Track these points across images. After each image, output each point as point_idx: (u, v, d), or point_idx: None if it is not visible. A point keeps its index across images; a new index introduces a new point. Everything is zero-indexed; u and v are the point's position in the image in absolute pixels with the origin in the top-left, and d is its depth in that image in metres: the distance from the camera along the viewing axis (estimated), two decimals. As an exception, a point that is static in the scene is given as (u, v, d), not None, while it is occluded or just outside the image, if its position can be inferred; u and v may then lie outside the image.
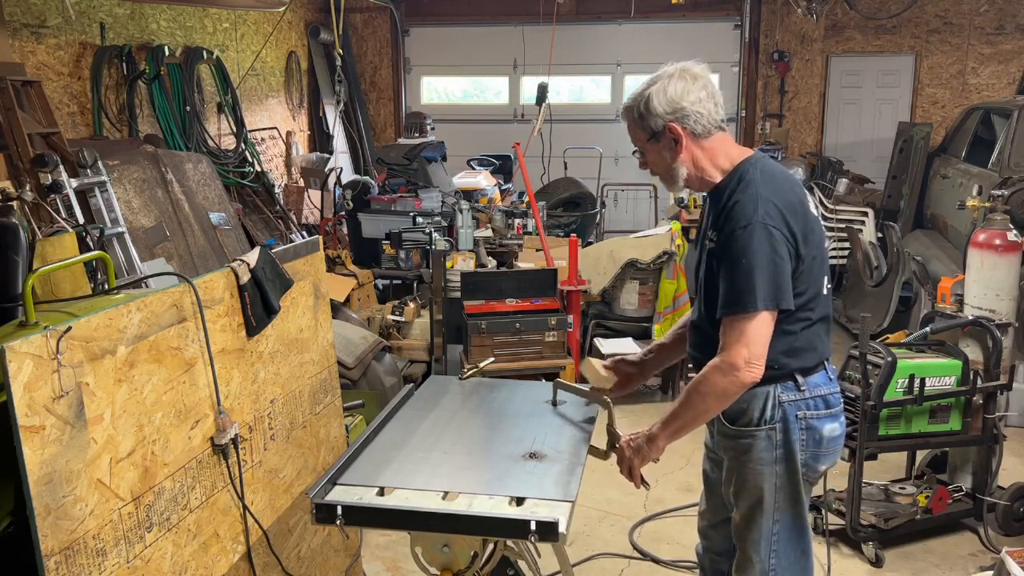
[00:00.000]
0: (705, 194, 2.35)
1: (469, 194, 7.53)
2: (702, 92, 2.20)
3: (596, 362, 2.62)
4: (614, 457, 2.43)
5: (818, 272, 2.24)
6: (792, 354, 2.24)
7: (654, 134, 2.23)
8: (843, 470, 3.74)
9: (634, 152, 2.35)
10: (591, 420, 2.58)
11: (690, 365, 2.47)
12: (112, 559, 1.92)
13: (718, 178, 2.25)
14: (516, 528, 1.96)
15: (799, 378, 2.25)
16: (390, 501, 2.08)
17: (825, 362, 2.33)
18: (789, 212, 2.15)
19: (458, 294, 5.19)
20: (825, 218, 7.64)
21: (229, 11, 8.05)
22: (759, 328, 2.11)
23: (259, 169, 7.99)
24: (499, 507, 2.04)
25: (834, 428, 2.33)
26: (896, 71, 9.71)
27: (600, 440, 2.45)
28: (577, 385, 2.63)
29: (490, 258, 6.03)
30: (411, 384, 2.87)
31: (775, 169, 2.26)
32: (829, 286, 2.31)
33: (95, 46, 6.33)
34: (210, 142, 7.42)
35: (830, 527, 3.78)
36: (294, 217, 8.31)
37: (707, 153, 2.24)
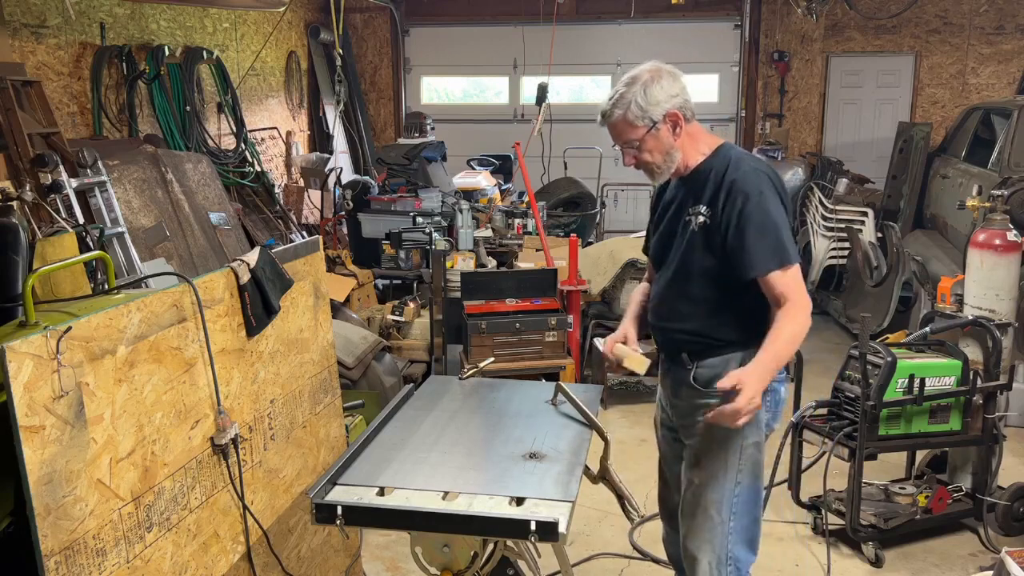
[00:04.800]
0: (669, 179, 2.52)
1: (469, 194, 7.53)
2: (683, 82, 2.41)
3: (630, 353, 2.64)
4: (614, 458, 2.44)
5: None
6: (760, 322, 2.40)
7: (654, 124, 2.36)
8: (843, 470, 3.74)
9: (620, 146, 2.43)
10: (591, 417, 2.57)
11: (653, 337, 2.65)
12: (112, 559, 1.92)
13: (699, 159, 2.44)
14: (516, 528, 1.96)
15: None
16: (390, 501, 2.08)
17: None
18: (778, 184, 2.40)
19: (458, 294, 5.19)
20: (825, 218, 7.64)
21: (229, 11, 8.05)
22: (801, 278, 2.38)
23: (259, 169, 7.99)
24: (499, 507, 2.04)
25: (785, 389, 2.56)
26: (896, 71, 9.70)
27: (596, 445, 2.45)
28: (583, 406, 2.58)
29: (490, 258, 6.03)
30: (411, 384, 2.87)
31: (747, 152, 2.52)
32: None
33: (95, 46, 6.33)
34: (210, 142, 7.42)
35: (830, 527, 3.78)
36: (294, 217, 8.31)
37: (691, 138, 2.44)
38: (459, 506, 2.04)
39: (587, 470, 2.42)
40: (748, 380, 2.25)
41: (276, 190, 8.25)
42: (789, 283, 2.33)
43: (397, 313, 5.68)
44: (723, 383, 2.27)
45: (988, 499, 3.82)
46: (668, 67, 2.40)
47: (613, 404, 5.52)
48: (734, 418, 2.26)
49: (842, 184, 7.87)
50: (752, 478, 2.47)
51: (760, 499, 2.52)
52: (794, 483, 3.93)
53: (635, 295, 2.80)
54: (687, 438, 2.55)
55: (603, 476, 2.44)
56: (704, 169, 2.43)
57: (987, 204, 4.35)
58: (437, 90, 11.21)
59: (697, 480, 2.47)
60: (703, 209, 2.39)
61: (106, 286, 2.41)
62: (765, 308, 2.39)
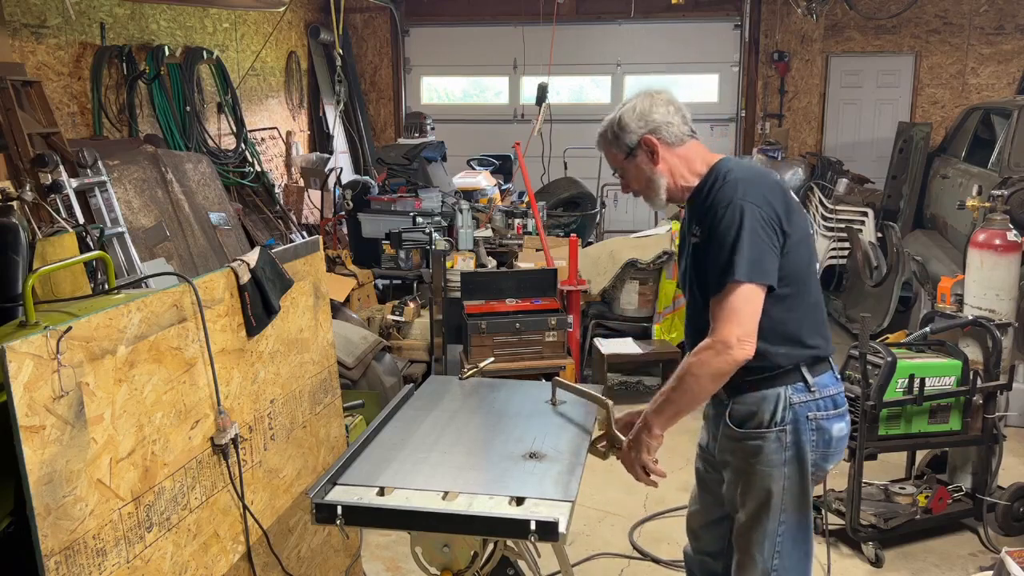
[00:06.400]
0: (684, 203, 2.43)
1: (469, 194, 7.53)
2: (669, 107, 2.32)
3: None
4: (613, 458, 2.44)
5: (806, 253, 2.29)
6: (795, 342, 2.26)
7: (630, 150, 2.33)
8: (843, 470, 3.74)
9: (614, 173, 2.42)
10: (591, 420, 2.58)
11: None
12: (112, 559, 1.92)
13: (695, 182, 2.33)
14: (516, 528, 1.96)
15: (809, 379, 2.28)
16: (390, 501, 2.08)
17: (830, 360, 2.36)
18: (769, 192, 2.21)
19: (458, 294, 5.19)
20: (825, 218, 7.65)
21: (229, 11, 8.05)
22: (746, 305, 2.13)
23: (259, 169, 7.99)
24: (499, 507, 2.04)
25: (842, 428, 2.37)
26: (896, 71, 9.71)
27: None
28: (577, 385, 2.64)
29: (490, 258, 6.03)
30: (411, 384, 2.86)
31: (751, 164, 2.37)
32: (818, 270, 2.37)
33: (95, 46, 6.33)
34: (210, 142, 7.42)
35: (830, 527, 3.78)
36: (294, 217, 8.31)
37: (683, 160, 2.33)
38: (459, 506, 2.04)
39: (596, 449, 2.41)
40: (629, 448, 2.33)
41: (276, 190, 8.25)
42: (724, 307, 2.12)
43: (397, 313, 5.68)
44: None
45: (988, 499, 3.82)
46: (661, 93, 2.34)
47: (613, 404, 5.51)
48: (629, 468, 2.34)
49: (842, 184, 7.88)
50: (797, 515, 2.33)
51: (809, 534, 2.39)
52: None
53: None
54: (727, 474, 2.43)
55: (612, 444, 2.41)
56: (699, 188, 2.31)
57: (987, 204, 4.36)
58: (437, 90, 11.21)
59: (742, 518, 2.39)
60: (696, 230, 2.29)
61: (106, 286, 2.41)
62: (797, 326, 2.25)
